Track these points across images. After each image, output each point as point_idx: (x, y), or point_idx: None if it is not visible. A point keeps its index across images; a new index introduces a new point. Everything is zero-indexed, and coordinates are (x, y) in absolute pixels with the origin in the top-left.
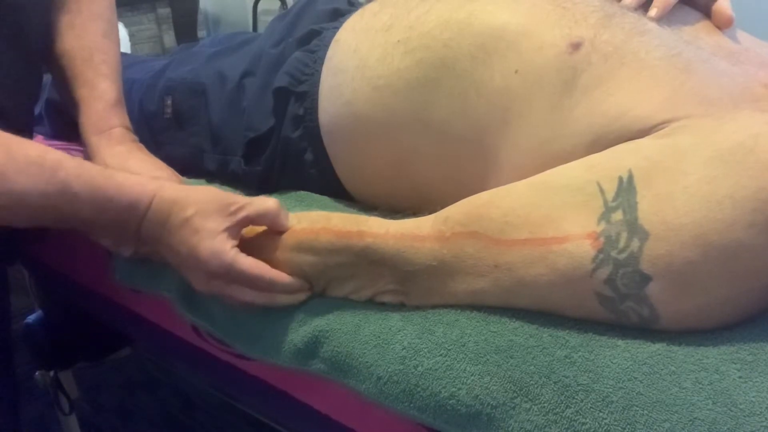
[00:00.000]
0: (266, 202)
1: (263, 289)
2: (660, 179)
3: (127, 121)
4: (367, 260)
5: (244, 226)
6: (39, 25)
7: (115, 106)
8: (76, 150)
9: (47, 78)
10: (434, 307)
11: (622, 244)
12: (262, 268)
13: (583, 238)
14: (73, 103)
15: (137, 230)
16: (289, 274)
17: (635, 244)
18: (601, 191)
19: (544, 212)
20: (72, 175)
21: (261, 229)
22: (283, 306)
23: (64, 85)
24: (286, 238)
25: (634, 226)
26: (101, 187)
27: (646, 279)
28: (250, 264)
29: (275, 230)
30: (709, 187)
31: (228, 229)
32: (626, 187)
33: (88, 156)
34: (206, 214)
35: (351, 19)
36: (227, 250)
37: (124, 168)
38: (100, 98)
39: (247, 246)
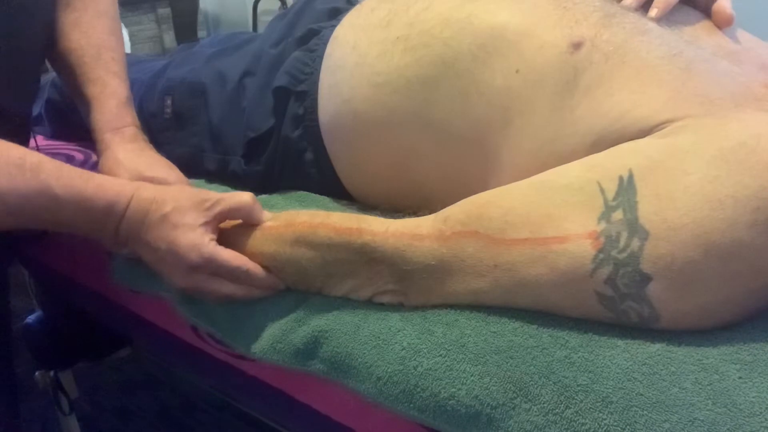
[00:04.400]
0: (241, 197)
1: (242, 281)
2: (661, 179)
3: (137, 120)
4: (366, 258)
5: (221, 221)
6: (36, 25)
7: (127, 105)
8: (75, 150)
9: (47, 78)
10: (434, 307)
11: (622, 243)
12: (241, 258)
13: (584, 238)
14: (84, 100)
15: (116, 230)
16: (285, 268)
17: (635, 243)
18: (602, 191)
19: (544, 211)
20: (52, 177)
21: (236, 222)
22: (260, 296)
23: (72, 82)
24: (283, 233)
25: (634, 226)
26: (81, 189)
27: (646, 278)
28: (229, 255)
29: (250, 223)
30: (711, 187)
31: (205, 224)
32: (626, 187)
33: (98, 152)
34: (183, 210)
35: (349, 15)
36: (206, 242)
37: (135, 165)
38: (112, 96)
39: (225, 240)
